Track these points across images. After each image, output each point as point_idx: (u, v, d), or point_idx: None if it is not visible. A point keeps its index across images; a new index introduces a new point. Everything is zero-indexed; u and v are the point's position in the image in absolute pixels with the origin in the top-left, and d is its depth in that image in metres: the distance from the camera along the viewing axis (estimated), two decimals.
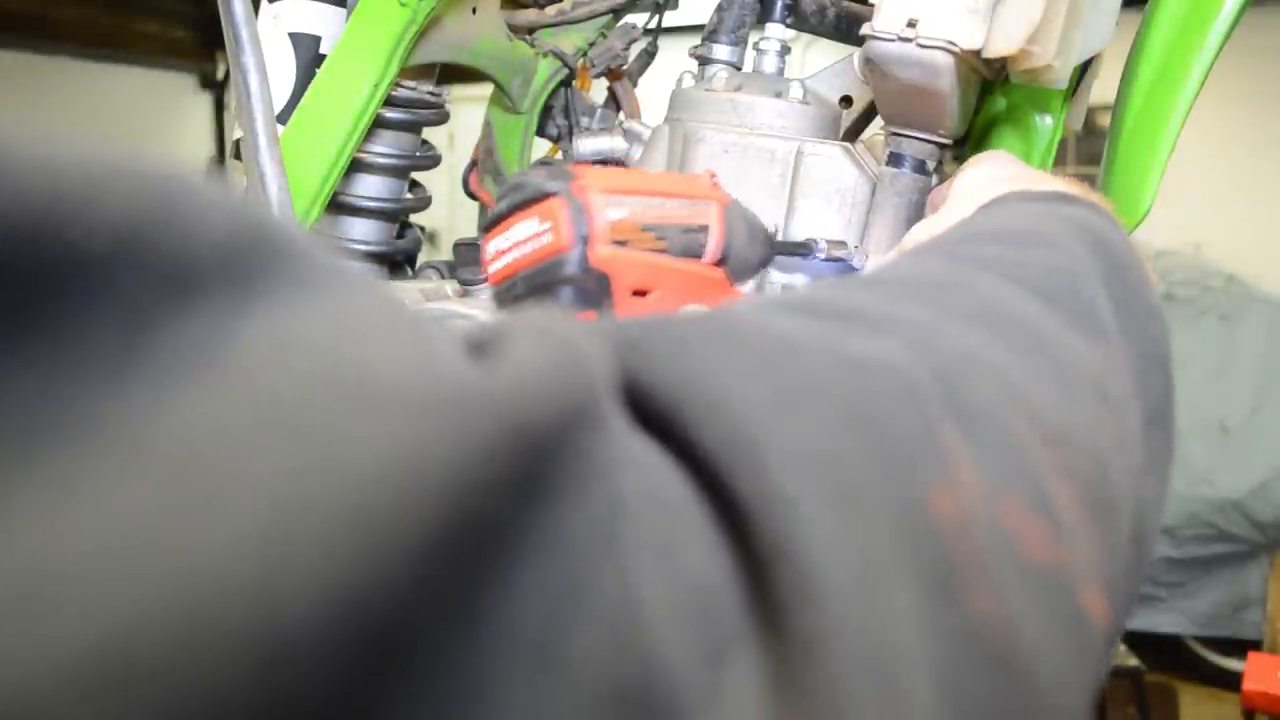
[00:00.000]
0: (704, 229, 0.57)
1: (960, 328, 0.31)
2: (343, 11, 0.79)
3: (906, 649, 0.22)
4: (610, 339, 0.25)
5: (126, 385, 0.16)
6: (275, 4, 0.80)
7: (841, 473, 0.23)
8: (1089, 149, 4.14)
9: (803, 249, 0.67)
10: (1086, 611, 0.28)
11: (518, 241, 0.52)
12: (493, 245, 0.54)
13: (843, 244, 0.69)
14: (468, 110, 1.14)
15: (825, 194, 0.73)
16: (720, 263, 0.58)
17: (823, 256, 0.68)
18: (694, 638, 0.19)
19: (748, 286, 0.76)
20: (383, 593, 0.15)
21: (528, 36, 0.93)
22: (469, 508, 0.17)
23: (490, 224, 0.54)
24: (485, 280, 0.88)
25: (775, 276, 0.75)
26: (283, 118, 0.77)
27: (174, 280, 0.17)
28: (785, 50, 0.81)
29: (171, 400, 0.16)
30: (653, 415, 0.23)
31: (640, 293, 0.54)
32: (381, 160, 0.84)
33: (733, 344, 0.25)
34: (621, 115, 0.96)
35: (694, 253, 0.57)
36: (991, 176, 0.58)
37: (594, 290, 0.52)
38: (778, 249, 0.64)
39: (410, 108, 0.83)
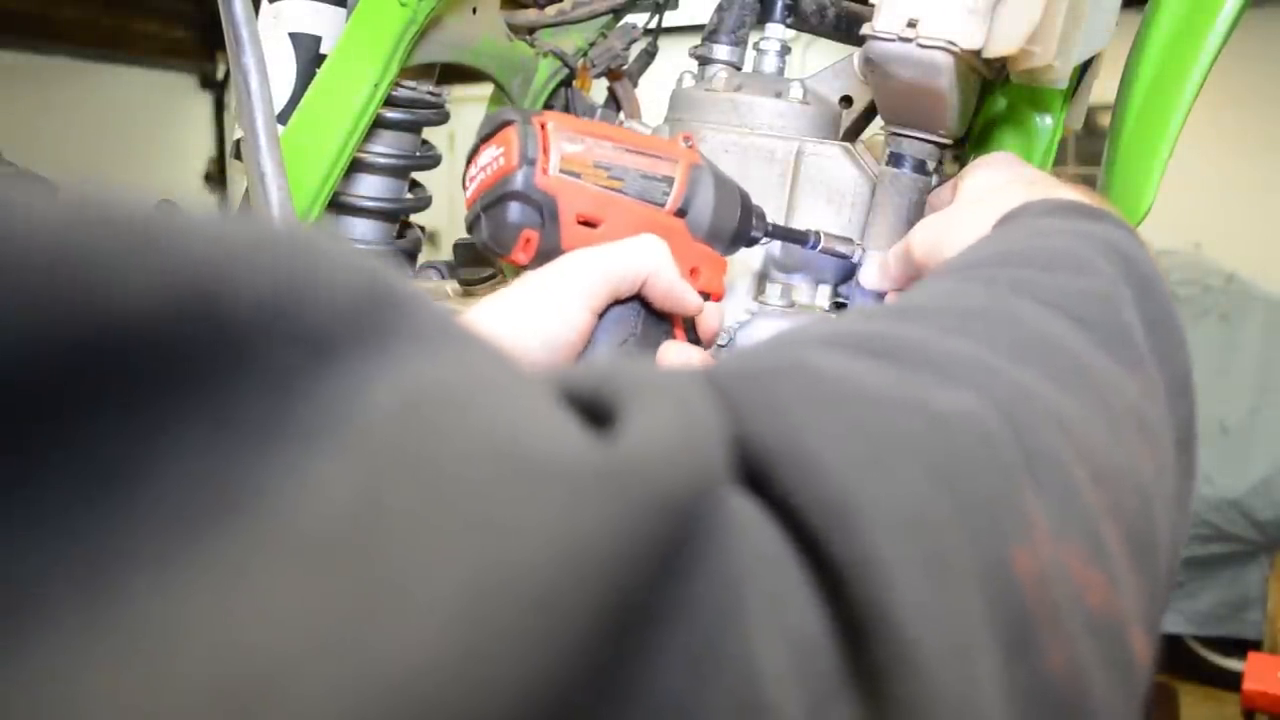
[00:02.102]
0: (666, 179, 0.60)
1: (1013, 364, 0.31)
2: (343, 11, 0.79)
3: (991, 711, 0.22)
4: (713, 391, 0.25)
5: (271, 453, 0.16)
6: (275, 4, 0.80)
7: (932, 536, 0.23)
8: (1089, 149, 4.14)
9: (800, 237, 0.68)
10: (1136, 655, 0.28)
11: (482, 167, 0.58)
12: (467, 175, 0.59)
13: (845, 239, 0.69)
14: (468, 110, 1.13)
15: (825, 194, 0.73)
16: (680, 214, 0.61)
17: (819, 248, 0.68)
18: (800, 694, 0.20)
19: (750, 272, 0.76)
20: (559, 674, 0.16)
21: (528, 36, 0.93)
22: (623, 583, 0.18)
23: (468, 157, 0.60)
24: (486, 277, 0.89)
25: (775, 276, 0.75)
26: (283, 118, 0.77)
27: (311, 344, 0.17)
28: (785, 50, 0.81)
29: (319, 470, 0.16)
30: (749, 470, 0.24)
31: (589, 223, 0.58)
32: (382, 160, 0.83)
33: (822, 399, 0.25)
34: (622, 115, 0.96)
35: (652, 199, 0.60)
36: (1003, 179, 0.58)
37: (539, 210, 0.56)
38: (770, 231, 0.66)
39: (410, 108, 0.83)
